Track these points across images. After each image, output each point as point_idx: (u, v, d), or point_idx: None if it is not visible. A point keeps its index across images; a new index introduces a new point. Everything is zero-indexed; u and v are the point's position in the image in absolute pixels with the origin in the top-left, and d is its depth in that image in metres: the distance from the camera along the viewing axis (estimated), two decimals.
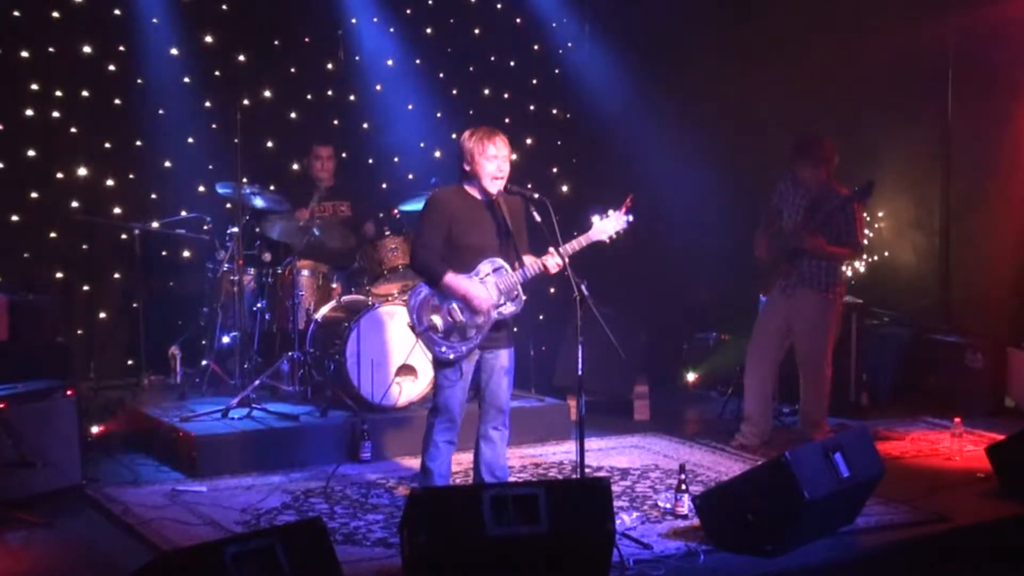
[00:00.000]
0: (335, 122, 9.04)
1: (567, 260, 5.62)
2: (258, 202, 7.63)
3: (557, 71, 9.92)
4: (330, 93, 9.02)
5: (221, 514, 5.69)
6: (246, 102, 8.34)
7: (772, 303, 7.17)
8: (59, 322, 7.73)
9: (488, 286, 5.66)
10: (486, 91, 9.63)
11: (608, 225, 5.82)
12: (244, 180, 7.33)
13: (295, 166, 8.74)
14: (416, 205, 7.58)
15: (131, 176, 8.39)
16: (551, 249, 5.65)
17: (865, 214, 8.55)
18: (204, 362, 7.75)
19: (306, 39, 8.90)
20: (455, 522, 4.47)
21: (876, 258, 8.88)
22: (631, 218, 5.78)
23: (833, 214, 6.88)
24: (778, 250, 7.06)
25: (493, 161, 5.65)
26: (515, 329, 9.18)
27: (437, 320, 5.64)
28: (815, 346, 7.04)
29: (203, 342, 7.87)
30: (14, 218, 8.02)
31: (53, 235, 8.13)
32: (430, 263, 5.63)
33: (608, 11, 9.74)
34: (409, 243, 7.47)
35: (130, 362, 8.21)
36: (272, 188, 7.85)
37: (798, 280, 7.00)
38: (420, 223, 5.75)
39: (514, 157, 9.59)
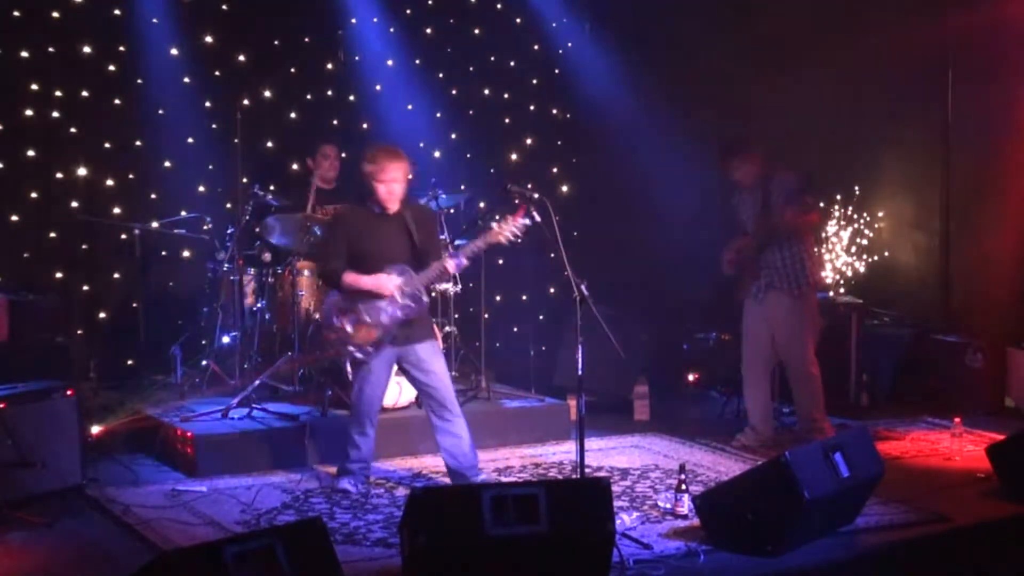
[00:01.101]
0: (335, 122, 9.04)
1: (463, 261, 5.98)
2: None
3: (557, 71, 9.92)
4: (330, 93, 9.02)
5: (221, 514, 5.69)
6: (246, 102, 8.34)
7: (749, 310, 7.20)
8: (59, 322, 7.73)
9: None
10: (486, 91, 9.63)
11: (505, 228, 5.86)
12: (244, 180, 7.34)
13: (295, 166, 8.74)
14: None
15: (131, 176, 8.39)
16: (450, 250, 6.13)
17: (880, 213, 8.61)
18: (204, 362, 7.75)
19: (306, 39, 8.91)
20: (455, 522, 4.47)
21: (876, 258, 8.88)
22: (528, 221, 5.78)
23: (789, 195, 6.94)
24: (745, 258, 7.08)
25: (383, 185, 5.97)
26: (515, 329, 9.34)
27: (347, 325, 5.97)
28: (793, 347, 7.06)
29: (203, 342, 7.87)
30: (14, 218, 8.02)
31: (53, 235, 8.14)
32: (329, 267, 6.03)
33: (608, 11, 9.74)
34: None
35: (130, 362, 8.21)
36: (272, 188, 7.86)
37: (766, 283, 7.04)
38: (323, 239, 6.19)
39: (514, 157, 9.72)
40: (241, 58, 8.67)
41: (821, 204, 7.52)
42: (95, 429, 6.76)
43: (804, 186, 6.98)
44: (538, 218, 5.73)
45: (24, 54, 7.96)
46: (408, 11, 9.27)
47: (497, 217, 5.93)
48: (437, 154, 9.36)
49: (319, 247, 6.15)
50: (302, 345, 7.37)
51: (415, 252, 6.04)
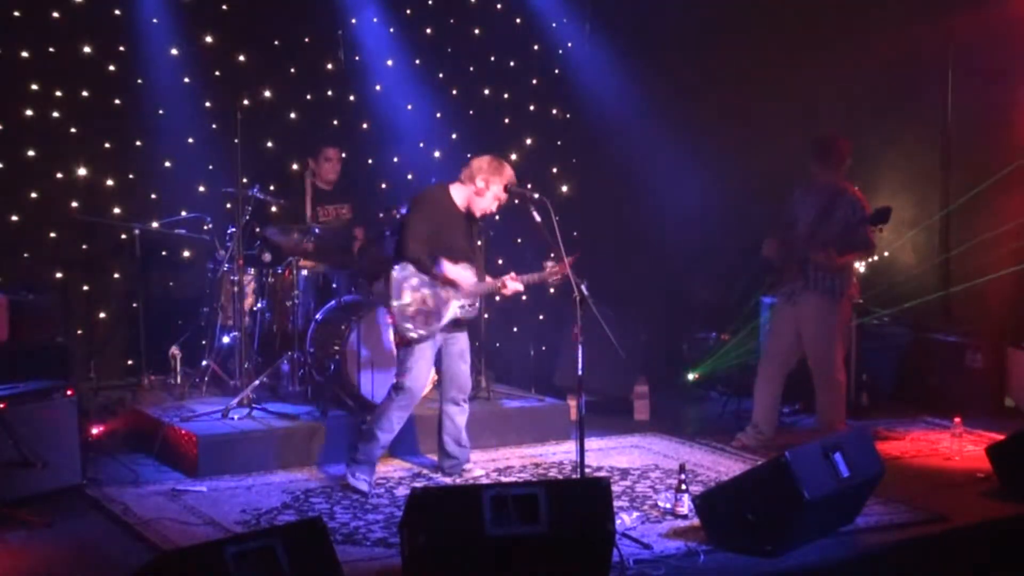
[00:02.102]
0: (335, 122, 9.04)
1: (520, 287, 6.22)
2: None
3: (557, 71, 9.92)
4: (330, 93, 9.02)
5: (221, 514, 5.70)
6: (246, 102, 8.34)
7: (780, 311, 7.15)
8: (59, 322, 7.73)
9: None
10: (486, 91, 9.63)
11: (552, 274, 6.09)
12: (244, 180, 7.34)
13: (295, 166, 8.75)
14: None
15: (131, 176, 8.39)
16: (513, 275, 6.21)
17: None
18: (204, 362, 7.75)
19: (306, 39, 8.90)
20: (455, 522, 4.47)
21: (876, 258, 8.88)
22: (570, 274, 5.75)
23: (848, 222, 6.85)
24: (788, 255, 7.03)
25: (496, 201, 6.19)
26: (515, 329, 9.35)
27: (408, 301, 6.10)
28: (823, 351, 7.00)
29: (203, 342, 7.87)
30: (14, 218, 8.02)
31: (53, 235, 8.13)
32: (422, 254, 6.10)
33: (608, 11, 9.74)
34: None
35: (130, 362, 8.21)
36: (272, 188, 7.86)
37: (805, 285, 6.97)
38: (411, 216, 6.20)
39: (514, 157, 9.72)
40: (241, 58, 8.66)
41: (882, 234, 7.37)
42: (95, 429, 6.77)
43: (865, 220, 6.84)
44: (538, 218, 5.76)
45: (24, 54, 7.96)
46: (408, 11, 9.27)
47: (552, 255, 6.05)
48: (437, 154, 9.36)
49: (403, 225, 6.27)
50: (302, 345, 7.38)
51: (477, 256, 6.32)
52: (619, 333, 5.73)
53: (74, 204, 8.14)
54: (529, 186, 6.02)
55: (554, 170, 9.89)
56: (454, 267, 6.12)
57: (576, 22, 9.92)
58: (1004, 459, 6.17)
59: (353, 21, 8.98)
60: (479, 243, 6.41)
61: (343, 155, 8.25)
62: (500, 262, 8.99)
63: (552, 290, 9.43)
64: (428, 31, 9.42)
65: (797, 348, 7.10)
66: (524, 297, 9.46)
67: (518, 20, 9.71)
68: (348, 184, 8.37)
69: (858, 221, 6.84)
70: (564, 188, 9.84)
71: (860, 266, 8.75)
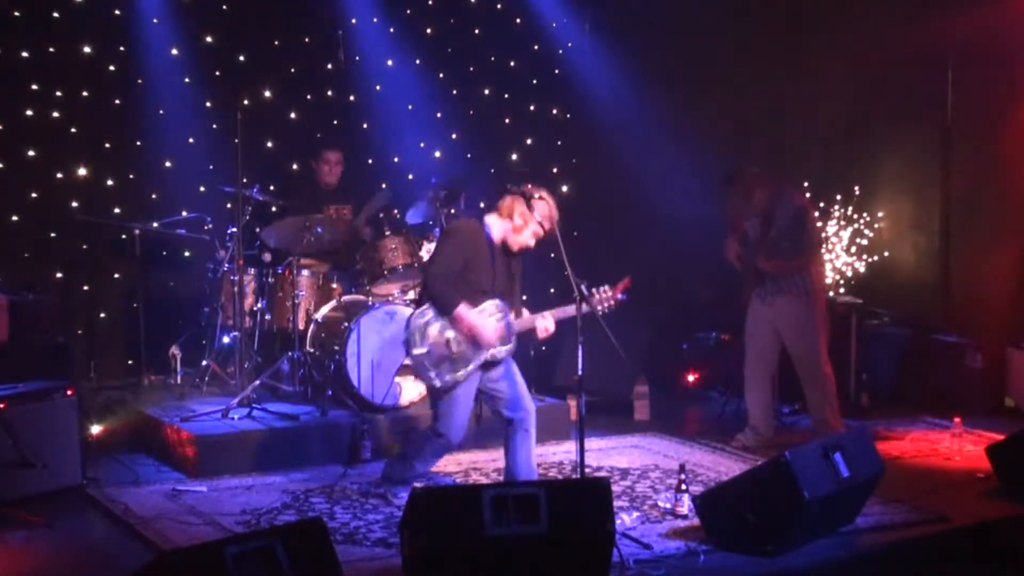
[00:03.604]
0: (335, 122, 9.04)
1: (551, 328, 5.82)
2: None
3: (557, 71, 9.92)
4: (330, 93, 9.02)
5: (221, 514, 5.69)
6: (246, 102, 8.34)
7: (755, 312, 7.19)
8: (59, 322, 7.73)
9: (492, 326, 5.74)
10: (486, 91, 9.63)
11: (603, 301, 5.77)
12: (244, 180, 7.34)
13: (295, 166, 8.74)
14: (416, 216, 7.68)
15: (131, 176, 8.39)
16: (545, 314, 5.81)
17: (880, 214, 8.59)
18: (204, 362, 7.75)
19: (306, 39, 8.90)
20: (455, 522, 4.47)
21: (876, 258, 8.88)
22: (624, 298, 5.77)
23: (786, 230, 6.93)
24: (747, 260, 7.08)
25: (535, 238, 5.76)
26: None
27: (432, 347, 5.70)
28: (806, 347, 7.05)
29: (203, 342, 7.87)
30: (14, 218, 8.02)
31: (53, 235, 8.14)
32: (447, 291, 5.66)
33: (608, 11, 9.74)
34: (409, 243, 7.50)
35: (130, 362, 8.21)
36: (272, 188, 7.86)
37: (774, 289, 7.03)
38: (441, 248, 5.80)
39: (514, 157, 9.71)
40: (241, 58, 8.67)
41: (820, 227, 7.37)
42: (95, 429, 6.77)
43: (803, 220, 6.94)
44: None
45: (24, 54, 7.96)
46: (408, 11, 9.27)
47: (604, 289, 5.75)
48: (437, 154, 9.36)
49: (431, 259, 5.83)
50: (302, 345, 7.38)
51: (513, 291, 5.90)
52: (619, 333, 5.71)
53: (74, 204, 8.14)
54: (529, 186, 5.99)
55: (554, 170, 9.89)
56: (474, 315, 5.64)
57: (576, 22, 9.92)
58: (1004, 459, 6.17)
59: (353, 21, 8.98)
60: (515, 279, 5.93)
61: (344, 160, 8.25)
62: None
63: (552, 290, 9.45)
64: (428, 31, 9.42)
65: (777, 347, 7.14)
66: (524, 297, 9.53)
67: (518, 20, 9.71)
68: (349, 184, 8.38)
69: (798, 228, 6.92)
70: (564, 188, 9.84)
71: (860, 266, 8.78)
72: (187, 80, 8.42)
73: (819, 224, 7.64)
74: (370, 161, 9.21)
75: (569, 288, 5.47)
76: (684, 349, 9.37)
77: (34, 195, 8.08)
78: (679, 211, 9.28)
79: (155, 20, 8.27)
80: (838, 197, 8.80)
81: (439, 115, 9.37)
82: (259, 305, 7.64)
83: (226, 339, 7.72)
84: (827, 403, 7.09)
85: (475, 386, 5.85)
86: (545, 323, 5.82)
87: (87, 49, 8.17)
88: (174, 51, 8.38)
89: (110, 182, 8.31)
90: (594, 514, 4.60)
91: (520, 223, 5.74)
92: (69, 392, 6.00)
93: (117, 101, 8.31)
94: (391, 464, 6.14)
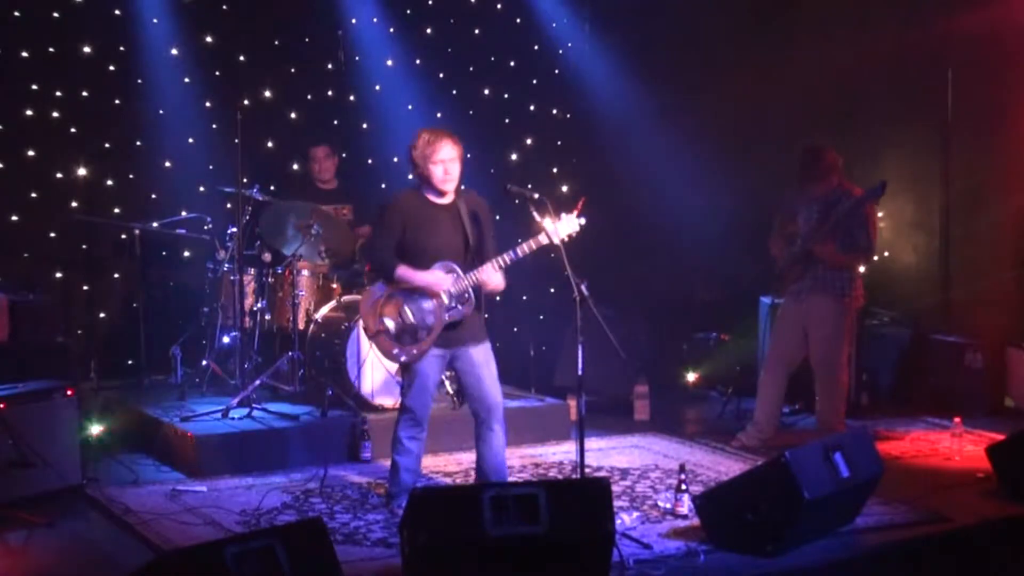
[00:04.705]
0: (335, 122, 9.04)
1: (500, 268, 5.63)
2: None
3: (557, 71, 9.92)
4: (330, 93, 9.03)
5: (221, 514, 5.69)
6: (246, 102, 8.34)
7: (786, 309, 7.12)
8: (59, 322, 7.73)
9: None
10: (486, 91, 9.63)
11: (562, 228, 5.68)
12: (244, 180, 7.35)
13: (295, 166, 8.74)
14: None
15: (131, 176, 8.40)
16: (492, 263, 5.64)
17: (880, 213, 8.56)
18: (204, 362, 7.75)
19: (306, 39, 8.90)
20: (455, 522, 4.47)
21: (876, 258, 8.87)
22: (583, 220, 5.71)
23: (846, 217, 6.82)
24: (791, 254, 7.03)
25: (440, 165, 5.60)
26: (515, 329, 9.34)
27: (388, 322, 5.67)
28: (829, 351, 6.98)
29: (203, 342, 7.87)
30: (14, 218, 8.02)
31: (53, 235, 8.14)
32: (384, 258, 5.65)
33: (608, 11, 9.74)
34: None
35: (130, 362, 8.21)
36: (272, 188, 7.85)
37: (812, 285, 6.95)
38: (377, 223, 5.82)
39: (514, 157, 9.71)
40: (241, 58, 8.67)
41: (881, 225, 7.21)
42: (95, 429, 6.77)
43: (866, 219, 6.84)
44: (538, 218, 5.69)
45: (24, 54, 7.96)
46: (408, 11, 9.27)
47: (559, 216, 5.65)
48: None
49: (370, 235, 5.85)
50: (302, 345, 7.38)
51: (468, 247, 5.72)
52: (619, 333, 5.71)
53: (74, 204, 8.14)
54: (529, 186, 5.99)
55: (554, 170, 9.89)
56: (419, 273, 5.59)
57: (576, 22, 9.91)
58: (1004, 459, 6.16)
59: (353, 21, 8.98)
60: (468, 230, 5.70)
61: (334, 153, 8.25)
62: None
63: (552, 290, 9.46)
64: (428, 31, 9.42)
65: (803, 348, 7.08)
66: (524, 297, 9.56)
67: (518, 20, 9.71)
68: (348, 184, 8.38)
69: (859, 223, 6.84)
70: (564, 188, 9.84)
71: (860, 266, 8.78)
72: (187, 80, 8.42)
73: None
74: (370, 161, 9.21)
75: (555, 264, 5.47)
76: (684, 349, 9.38)
77: (34, 195, 8.08)
78: (679, 211, 9.28)
79: (155, 20, 8.27)
80: None
81: (439, 115, 9.36)
82: (259, 305, 7.64)
83: (226, 339, 7.72)
84: (835, 410, 7.04)
85: (442, 363, 5.76)
86: (487, 276, 5.62)
87: (87, 49, 8.18)
88: (174, 51, 8.38)
89: (110, 182, 8.31)
90: (594, 514, 4.60)
91: (423, 167, 5.61)
92: (69, 392, 6.00)
93: (117, 101, 8.31)
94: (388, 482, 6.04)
